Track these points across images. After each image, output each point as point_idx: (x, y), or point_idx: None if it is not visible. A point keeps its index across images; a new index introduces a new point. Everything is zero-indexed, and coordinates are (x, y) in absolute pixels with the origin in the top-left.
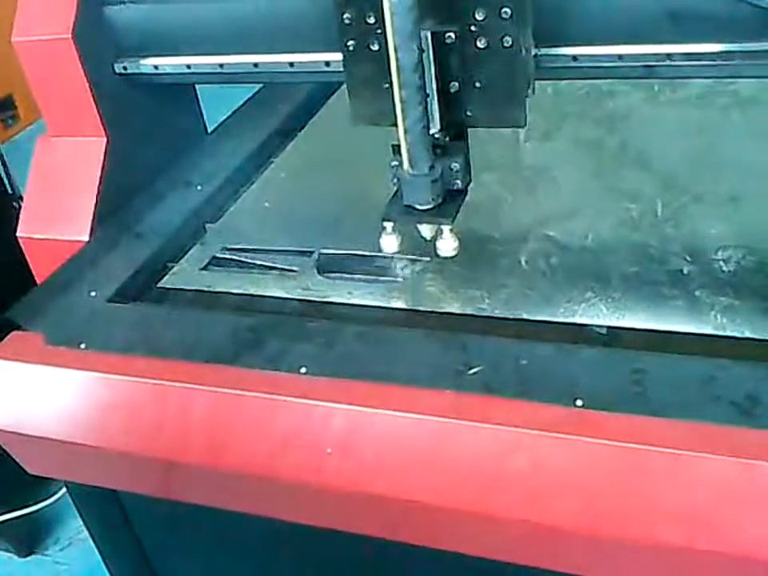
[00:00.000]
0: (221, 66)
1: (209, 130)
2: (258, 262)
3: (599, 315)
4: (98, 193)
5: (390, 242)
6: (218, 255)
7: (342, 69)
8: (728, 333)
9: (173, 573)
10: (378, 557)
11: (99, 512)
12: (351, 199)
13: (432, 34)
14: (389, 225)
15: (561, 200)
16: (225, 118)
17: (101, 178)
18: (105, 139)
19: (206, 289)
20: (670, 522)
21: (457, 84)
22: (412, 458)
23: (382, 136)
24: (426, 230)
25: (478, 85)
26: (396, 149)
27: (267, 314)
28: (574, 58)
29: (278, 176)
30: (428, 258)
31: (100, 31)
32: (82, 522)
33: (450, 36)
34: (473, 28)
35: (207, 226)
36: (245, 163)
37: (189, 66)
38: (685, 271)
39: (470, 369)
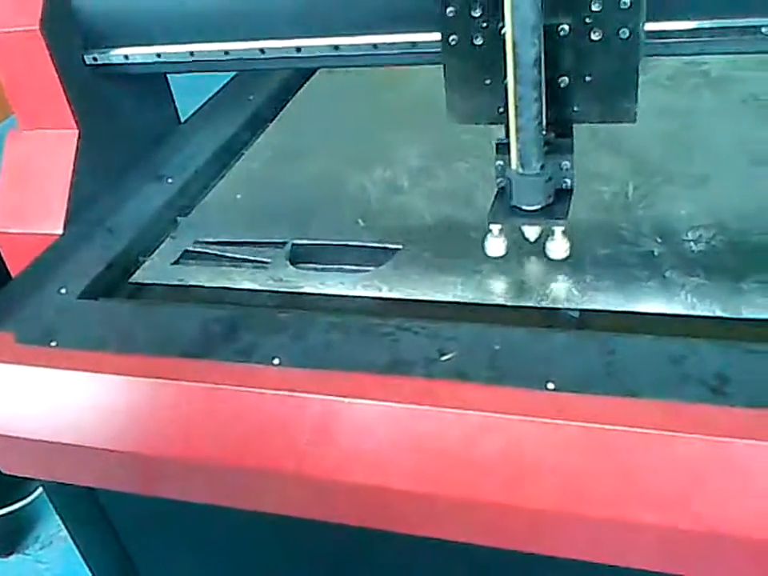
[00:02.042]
0: (191, 54)
1: (182, 120)
2: (230, 255)
3: (571, 299)
4: (71, 185)
5: (496, 246)
6: (190, 249)
7: (313, 55)
8: (698, 313)
9: (154, 568)
10: (360, 546)
11: (76, 510)
12: (323, 189)
13: (545, 26)
14: (495, 227)
15: None
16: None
17: (73, 170)
18: (76, 131)
19: (177, 283)
20: (643, 502)
21: (567, 79)
22: (388, 446)
23: (353, 127)
24: (531, 232)
25: (588, 79)
26: (503, 148)
27: (239, 306)
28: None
29: (249, 167)
30: (399, 246)
31: (69, 22)
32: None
33: (563, 29)
34: (588, 20)
35: (179, 219)
36: (216, 155)
37: (159, 55)
38: (656, 252)
39: (443, 355)
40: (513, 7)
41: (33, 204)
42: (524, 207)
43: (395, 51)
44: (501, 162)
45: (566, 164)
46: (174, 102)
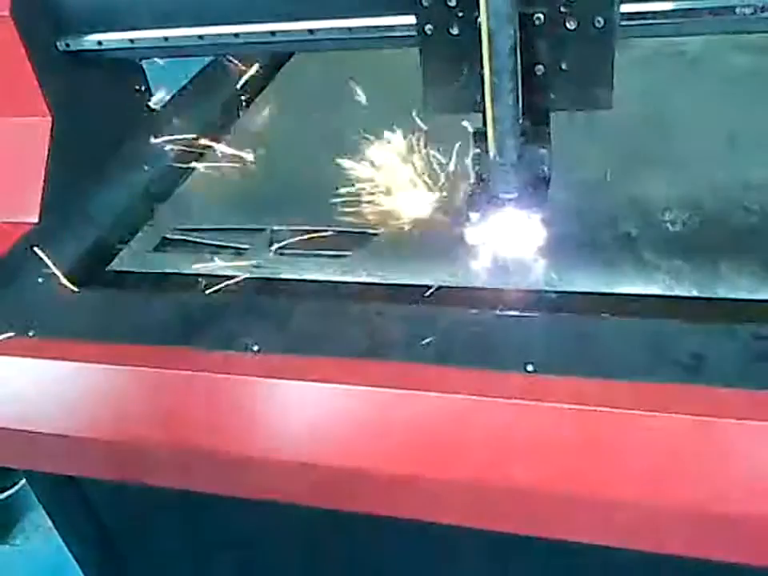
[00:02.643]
0: (165, 39)
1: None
2: (209, 242)
3: (549, 281)
4: (46, 173)
5: (476, 234)
6: (169, 236)
7: (287, 39)
8: (675, 293)
9: (139, 556)
10: (345, 530)
11: (59, 499)
12: (303, 175)
13: (520, 15)
14: (475, 216)
15: None
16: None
17: (47, 158)
18: (50, 119)
19: (156, 270)
20: (622, 480)
21: (542, 67)
22: (368, 430)
23: (333, 110)
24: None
25: (564, 67)
26: (480, 136)
27: (219, 293)
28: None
29: (227, 153)
30: (380, 231)
31: (40, 8)
32: None
33: (538, 17)
34: (563, 9)
35: (157, 206)
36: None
37: (132, 41)
38: (633, 234)
39: (423, 339)
40: None
41: (7, 193)
42: (502, 195)
43: (371, 35)
44: (478, 151)
45: (542, 152)
46: (149, 88)
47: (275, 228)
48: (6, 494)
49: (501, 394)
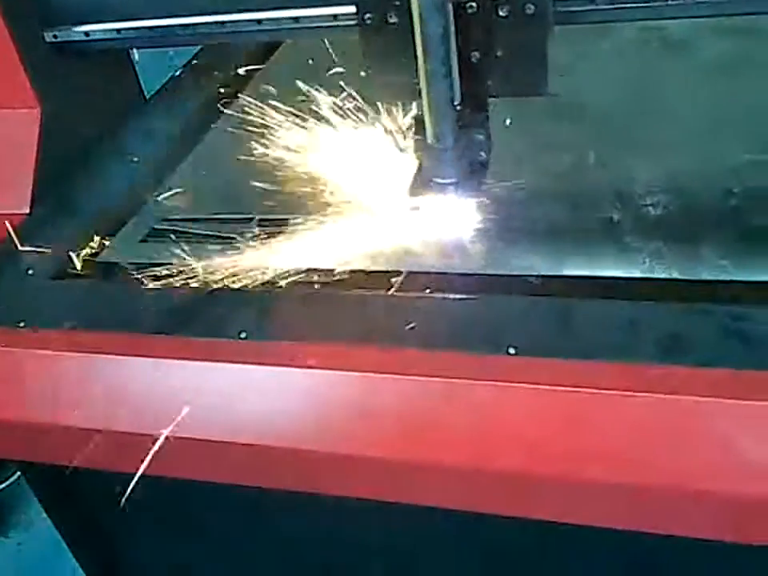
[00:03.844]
0: (151, 28)
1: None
2: (197, 231)
3: (531, 265)
4: (36, 165)
5: (418, 218)
6: (157, 226)
7: (273, 28)
8: (655, 276)
9: (134, 547)
10: (336, 515)
11: (53, 491)
12: (290, 164)
13: (453, 3)
14: (415, 200)
15: (493, 152)
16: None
17: (37, 149)
18: (39, 110)
19: (145, 261)
20: (603, 460)
21: (478, 54)
22: (355, 415)
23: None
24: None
25: (499, 54)
26: (419, 123)
27: (206, 282)
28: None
29: (216, 143)
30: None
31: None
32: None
33: (471, 5)
34: None
35: (145, 196)
36: (183, 131)
37: (119, 31)
38: (614, 218)
39: (406, 324)
40: None
41: None
42: (440, 181)
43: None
44: (418, 137)
45: (479, 138)
46: (138, 78)
47: (262, 217)
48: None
49: (483, 377)
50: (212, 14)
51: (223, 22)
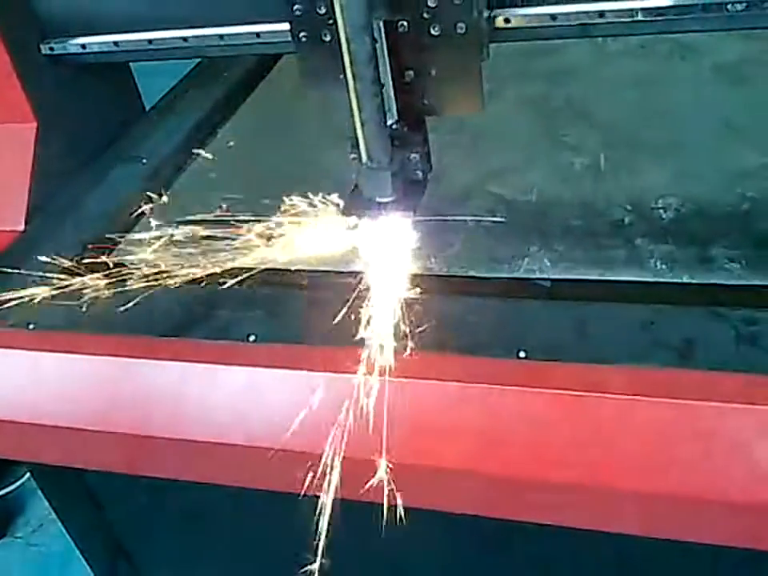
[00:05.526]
0: (149, 41)
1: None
2: (207, 233)
3: (543, 268)
4: (31, 180)
5: (353, 236)
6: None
7: (272, 41)
8: (667, 279)
9: (143, 547)
10: (340, 517)
11: (63, 492)
12: (298, 166)
13: (384, 22)
14: (351, 219)
15: (505, 157)
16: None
17: (33, 164)
18: (35, 124)
19: (154, 262)
20: (615, 466)
21: (412, 73)
22: (365, 419)
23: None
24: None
25: (433, 73)
26: (354, 141)
27: (217, 284)
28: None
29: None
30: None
31: (23, 12)
32: None
33: (402, 24)
34: (425, 15)
35: (154, 199)
36: (187, 137)
37: (117, 44)
38: (626, 221)
39: (419, 327)
40: (341, 6)
41: None
42: (377, 199)
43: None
44: (354, 155)
45: (415, 156)
46: (137, 89)
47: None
48: (10, 487)
49: (494, 381)
50: (211, 26)
51: (222, 35)
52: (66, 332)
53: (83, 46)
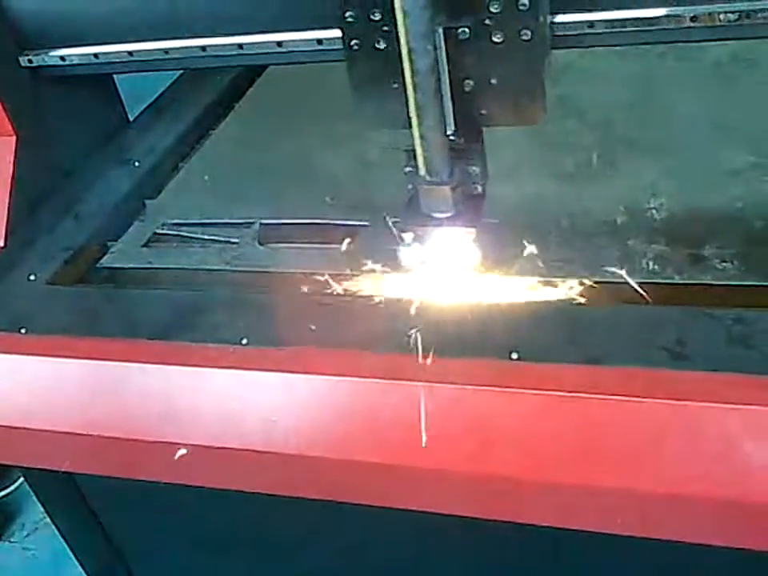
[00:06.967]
0: (130, 53)
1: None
2: (199, 236)
3: (535, 269)
4: (11, 195)
5: (411, 254)
6: (158, 231)
7: (256, 52)
8: (659, 280)
9: (137, 550)
10: (338, 520)
11: (57, 496)
12: (289, 170)
13: (444, 30)
14: (408, 236)
15: (497, 155)
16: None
17: (12, 178)
18: (14, 137)
19: (147, 265)
20: (609, 466)
21: (471, 82)
22: (356, 420)
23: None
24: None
25: (493, 82)
26: (411, 154)
27: (208, 287)
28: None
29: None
30: (367, 224)
31: (0, 24)
32: None
33: (464, 31)
34: (488, 22)
35: (147, 202)
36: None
37: (97, 56)
38: (618, 221)
39: (410, 330)
40: (403, 15)
41: None
42: (434, 214)
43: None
44: (410, 169)
45: (474, 170)
46: (121, 101)
47: (263, 221)
48: (4, 492)
49: (486, 382)
50: (193, 37)
51: (204, 47)
52: (56, 336)
53: (62, 58)
